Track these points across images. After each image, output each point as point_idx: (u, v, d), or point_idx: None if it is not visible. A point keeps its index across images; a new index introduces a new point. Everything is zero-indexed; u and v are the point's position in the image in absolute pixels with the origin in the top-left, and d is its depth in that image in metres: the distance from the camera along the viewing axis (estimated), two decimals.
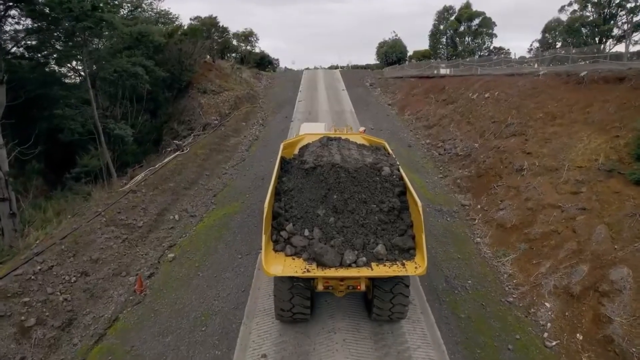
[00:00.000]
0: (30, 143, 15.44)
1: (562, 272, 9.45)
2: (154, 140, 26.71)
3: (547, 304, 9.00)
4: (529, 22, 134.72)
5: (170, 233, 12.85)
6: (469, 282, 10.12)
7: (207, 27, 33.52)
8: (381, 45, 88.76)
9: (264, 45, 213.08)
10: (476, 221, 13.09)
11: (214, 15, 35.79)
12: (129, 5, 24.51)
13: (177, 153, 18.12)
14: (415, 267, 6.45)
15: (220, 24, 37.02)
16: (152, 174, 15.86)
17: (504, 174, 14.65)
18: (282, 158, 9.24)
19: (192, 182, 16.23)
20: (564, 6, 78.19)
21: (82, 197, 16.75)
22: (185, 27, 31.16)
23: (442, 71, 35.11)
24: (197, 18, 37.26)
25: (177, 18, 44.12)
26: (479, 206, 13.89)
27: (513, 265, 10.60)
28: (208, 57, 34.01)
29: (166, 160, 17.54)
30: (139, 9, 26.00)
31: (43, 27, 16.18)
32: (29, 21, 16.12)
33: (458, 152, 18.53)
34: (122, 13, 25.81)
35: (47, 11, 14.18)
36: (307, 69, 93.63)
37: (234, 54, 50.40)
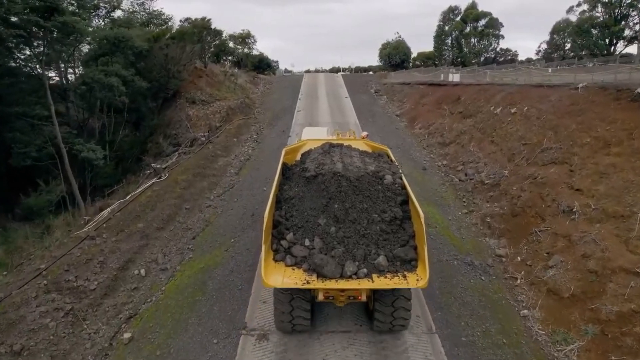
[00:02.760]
0: None
1: None
2: (136, 157, 24.08)
3: None
4: (532, 21, 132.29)
5: (131, 297, 10.15)
6: None
7: (198, 30, 30.91)
8: (384, 47, 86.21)
9: (264, 45, 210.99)
10: (518, 281, 10.36)
11: (206, 17, 33.14)
12: (106, 6, 21.85)
13: (153, 181, 15.43)
14: (417, 280, 6.27)
15: (213, 26, 34.34)
16: (119, 211, 13.18)
17: (546, 214, 11.93)
18: (284, 164, 9.17)
19: (167, 220, 13.53)
20: (573, 7, 75.33)
21: (40, 233, 14.15)
22: (174, 30, 28.44)
23: (455, 78, 32.43)
24: (187, 20, 34.65)
25: (170, 19, 41.60)
26: (518, 258, 11.16)
27: (581, 359, 7.89)
28: (199, 62, 31.34)
29: (139, 190, 14.87)
30: (122, 10, 23.25)
31: None
32: None
33: (483, 180, 15.81)
34: (101, 14, 23.19)
35: None
36: (308, 71, 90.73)
37: (230, 57, 47.74)
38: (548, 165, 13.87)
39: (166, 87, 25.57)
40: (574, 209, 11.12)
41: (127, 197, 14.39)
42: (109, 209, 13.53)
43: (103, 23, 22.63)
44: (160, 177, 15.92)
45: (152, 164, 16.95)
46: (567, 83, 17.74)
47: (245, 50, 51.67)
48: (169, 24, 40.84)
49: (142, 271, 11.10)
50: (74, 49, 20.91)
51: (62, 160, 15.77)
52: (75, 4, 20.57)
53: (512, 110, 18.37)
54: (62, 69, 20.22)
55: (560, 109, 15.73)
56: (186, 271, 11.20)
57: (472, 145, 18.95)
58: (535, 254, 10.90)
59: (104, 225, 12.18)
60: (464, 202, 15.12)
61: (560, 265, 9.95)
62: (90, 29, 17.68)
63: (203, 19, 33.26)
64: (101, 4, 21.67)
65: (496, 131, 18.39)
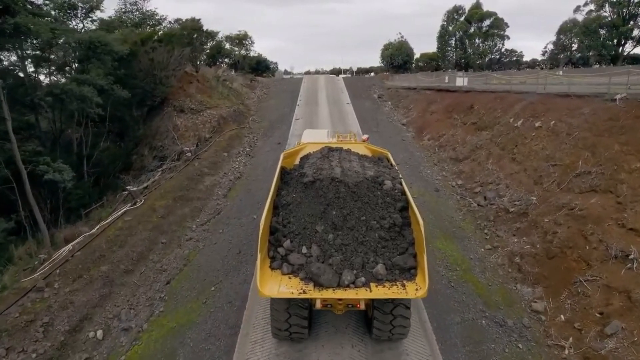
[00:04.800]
0: None
1: None
2: (120, 171, 22.03)
3: None
4: (534, 21, 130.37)
5: None
6: None
7: (188, 32, 28.83)
8: (386, 48, 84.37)
9: (266, 45, 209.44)
10: (566, 352, 8.27)
11: (197, 18, 30.93)
12: (85, 6, 19.78)
13: (125, 209, 13.37)
14: (416, 289, 6.02)
15: (205, 28, 32.19)
16: (80, 249, 11.13)
17: (592, 259, 9.83)
18: (282, 168, 9.07)
19: (138, 260, 11.47)
20: (580, 6, 73.31)
21: None
22: (161, 32, 26.39)
23: (462, 82, 30.38)
24: (177, 20, 32.53)
25: (164, 19, 39.54)
26: (562, 317, 9.07)
27: None
28: (190, 66, 29.27)
29: (109, 220, 12.82)
30: (101, 11, 21.11)
31: None
32: None
33: (507, 206, 13.72)
34: (79, 14, 21.15)
35: None
36: (308, 72, 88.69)
37: (226, 59, 45.64)
38: (587, 193, 11.77)
39: (152, 95, 23.53)
40: (631, 255, 9.04)
41: (95, 229, 12.35)
42: (69, 246, 11.49)
43: (82, 25, 20.66)
44: (135, 203, 13.86)
45: (128, 187, 14.88)
46: (599, 93, 15.64)
47: (243, 51, 49.51)
48: (163, 24, 38.95)
49: (99, 333, 9.03)
50: (49, 53, 18.91)
51: (23, 183, 13.73)
52: (51, 4, 18.60)
53: (536, 124, 16.27)
54: (33, 75, 18.19)
55: (597, 124, 13.63)
56: (154, 332, 9.13)
57: (491, 163, 16.87)
58: (585, 313, 8.81)
59: (57, 271, 10.11)
60: (486, 234, 13.03)
61: (622, 335, 7.87)
62: (58, 31, 15.62)
63: (193, 19, 31.18)
64: (79, 4, 19.60)
65: (517, 147, 16.30)
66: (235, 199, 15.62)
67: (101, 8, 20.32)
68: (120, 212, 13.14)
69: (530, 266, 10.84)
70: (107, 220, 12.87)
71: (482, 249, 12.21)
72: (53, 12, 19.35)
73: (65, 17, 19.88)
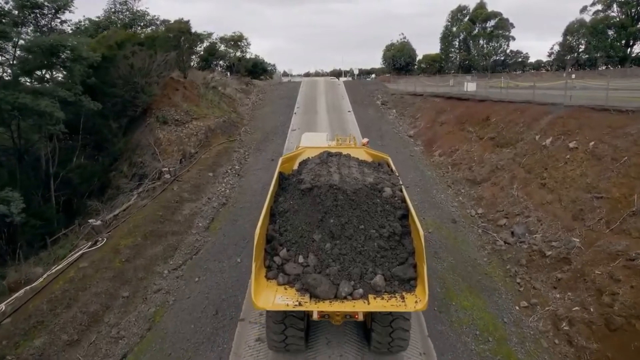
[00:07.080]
0: None
1: None
2: (95, 191, 19.73)
3: None
4: (536, 21, 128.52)
5: None
6: None
7: (175, 34, 26.50)
8: (388, 48, 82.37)
9: (265, 46, 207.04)
10: None
11: (184, 19, 28.51)
12: (51, 5, 17.44)
13: (81, 251, 11.03)
14: (416, 302, 5.79)
15: (194, 30, 29.82)
16: (11, 314, 8.80)
17: None
18: (280, 173, 8.79)
19: (88, 324, 9.14)
20: (587, 6, 71.29)
21: None
22: (142, 35, 24.03)
23: (471, 88, 28.10)
24: (165, 22, 30.18)
25: (156, 19, 37.33)
26: None
27: None
28: (178, 71, 26.94)
29: (62, 265, 10.51)
30: (69, 12, 18.73)
31: None
32: None
33: (541, 247, 11.39)
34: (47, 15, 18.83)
35: None
36: (308, 74, 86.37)
37: (221, 62, 43.33)
38: None
39: (133, 104, 21.21)
40: None
41: (38, 282, 10.02)
42: (2, 306, 9.14)
43: (50, 26, 18.31)
44: (95, 243, 11.53)
45: (90, 220, 12.57)
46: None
47: (238, 53, 47.11)
48: (155, 25, 36.67)
49: None
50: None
51: None
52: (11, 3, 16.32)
53: (570, 144, 13.95)
54: None
55: None
56: None
57: (515, 188, 14.55)
58: None
59: None
60: (519, 284, 10.70)
61: None
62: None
63: (180, 21, 28.80)
64: (45, 3, 17.29)
65: (548, 171, 13.98)
66: (218, 233, 13.28)
67: (70, 8, 18.02)
68: (74, 256, 10.80)
69: (585, 339, 8.51)
70: (59, 266, 10.54)
71: (517, 307, 9.87)
72: (16, 12, 17.04)
73: (29, 17, 17.57)
